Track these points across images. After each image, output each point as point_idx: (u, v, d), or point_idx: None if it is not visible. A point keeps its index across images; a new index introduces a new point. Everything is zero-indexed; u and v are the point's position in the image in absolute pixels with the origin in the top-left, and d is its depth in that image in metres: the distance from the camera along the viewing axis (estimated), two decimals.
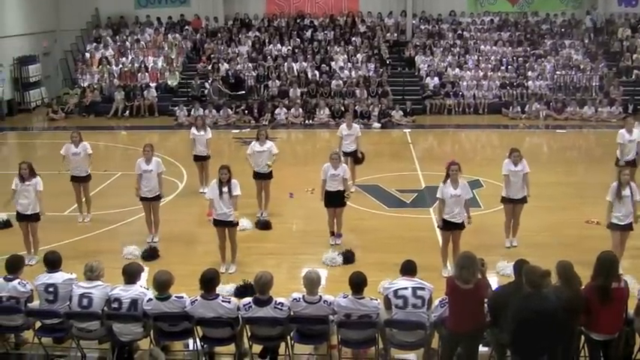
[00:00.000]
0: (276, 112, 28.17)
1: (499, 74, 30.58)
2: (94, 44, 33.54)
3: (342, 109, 27.46)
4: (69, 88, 32.28)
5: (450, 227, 12.08)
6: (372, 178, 18.28)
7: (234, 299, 8.97)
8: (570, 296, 7.83)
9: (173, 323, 8.90)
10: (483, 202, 15.87)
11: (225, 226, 12.37)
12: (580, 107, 28.19)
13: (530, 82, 30.00)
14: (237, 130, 26.46)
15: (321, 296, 8.70)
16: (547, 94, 29.40)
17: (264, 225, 14.88)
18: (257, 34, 33.92)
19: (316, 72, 30.92)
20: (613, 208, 11.85)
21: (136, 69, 31.63)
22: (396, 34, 34.02)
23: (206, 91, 30.04)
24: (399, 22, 34.56)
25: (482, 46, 32.46)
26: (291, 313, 8.68)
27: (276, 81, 30.37)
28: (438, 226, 12.58)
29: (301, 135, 27.09)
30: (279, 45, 32.88)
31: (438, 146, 25.00)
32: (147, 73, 31.46)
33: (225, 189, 12.08)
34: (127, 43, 33.64)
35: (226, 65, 31.25)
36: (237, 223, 12.61)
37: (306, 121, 27.96)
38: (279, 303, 8.61)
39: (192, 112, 27.58)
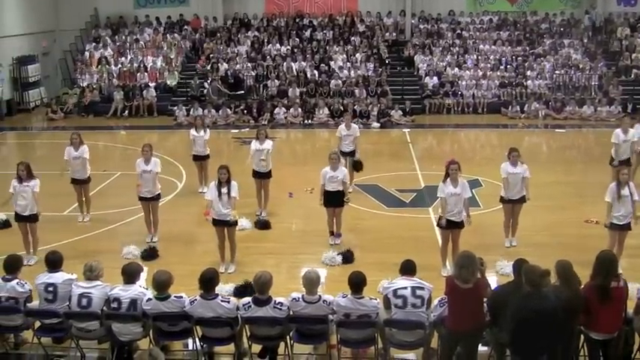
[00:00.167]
0: (275, 111, 28.17)
1: (498, 74, 30.59)
2: (93, 44, 33.52)
3: (342, 108, 27.47)
4: (68, 88, 32.23)
5: (450, 226, 12.08)
6: (371, 177, 18.27)
7: (233, 299, 8.98)
8: (569, 296, 7.83)
9: (172, 323, 8.90)
10: (482, 202, 15.88)
11: (224, 225, 12.37)
12: (579, 107, 28.20)
13: (529, 82, 30.01)
14: (237, 130, 26.45)
15: (320, 296, 8.70)
16: (546, 94, 29.40)
17: (263, 225, 14.88)
18: (256, 33, 33.91)
19: (315, 72, 30.92)
20: (612, 208, 11.86)
21: (135, 69, 31.62)
22: (395, 34, 34.02)
23: (205, 91, 30.04)
24: (398, 21, 34.54)
25: (481, 46, 32.46)
26: (291, 313, 8.68)
27: (276, 81, 30.36)
28: (438, 225, 12.58)
29: (300, 135, 27.09)
30: (278, 45, 32.88)
31: (438, 146, 25.00)
32: (146, 73, 31.45)
33: (224, 190, 12.08)
34: (127, 43, 33.62)
35: (225, 65, 31.25)
36: (235, 223, 12.61)
37: (306, 121, 27.97)
38: (279, 303, 8.61)
39: (191, 112, 27.58)
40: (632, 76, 30.35)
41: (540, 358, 7.69)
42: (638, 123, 17.18)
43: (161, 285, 8.73)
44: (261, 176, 15.50)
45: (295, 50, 32.44)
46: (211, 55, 32.25)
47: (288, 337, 8.86)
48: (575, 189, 17.47)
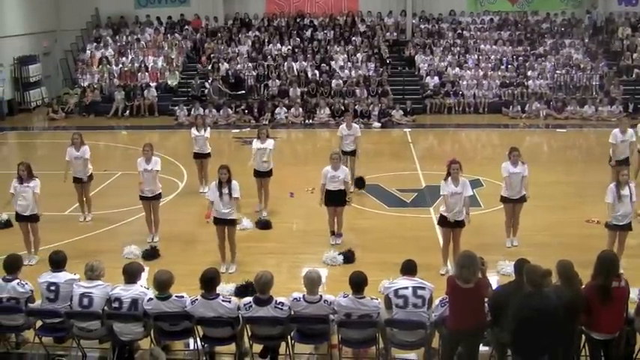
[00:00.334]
0: (276, 111, 28.17)
1: (499, 73, 30.57)
2: (94, 44, 33.54)
3: (342, 108, 27.44)
4: (69, 88, 32.27)
5: (451, 225, 12.10)
6: (372, 177, 18.25)
7: (234, 299, 8.98)
8: (571, 296, 7.82)
9: (173, 323, 8.90)
10: (483, 202, 15.86)
11: (224, 224, 12.38)
12: (580, 106, 28.16)
13: (530, 82, 29.98)
14: (238, 130, 26.44)
15: (321, 296, 8.71)
16: (547, 94, 29.37)
17: (264, 224, 14.88)
18: (257, 33, 33.91)
19: (316, 71, 30.90)
20: (611, 208, 11.85)
21: (136, 69, 31.63)
22: (395, 34, 34.01)
23: (206, 91, 30.05)
24: (398, 21, 34.54)
25: (482, 46, 32.45)
26: (292, 313, 8.68)
27: (276, 80, 30.36)
28: (439, 223, 12.61)
29: (301, 134, 27.09)
30: (279, 44, 32.87)
31: (439, 146, 24.98)
32: (147, 73, 31.45)
33: (225, 190, 12.09)
34: (128, 42, 33.64)
35: (226, 65, 31.24)
36: (237, 222, 12.61)
37: (306, 121, 27.97)
38: (280, 302, 8.61)
39: (192, 112, 27.60)
40: (634, 75, 30.30)
41: (541, 359, 7.69)
42: None
43: (162, 285, 8.73)
44: (262, 175, 15.52)
45: (296, 50, 32.43)
46: (212, 55, 32.24)
47: (289, 336, 8.86)
48: (576, 189, 17.46)
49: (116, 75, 31.64)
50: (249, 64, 31.45)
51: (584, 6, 34.37)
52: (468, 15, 34.74)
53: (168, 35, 34.13)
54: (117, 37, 34.13)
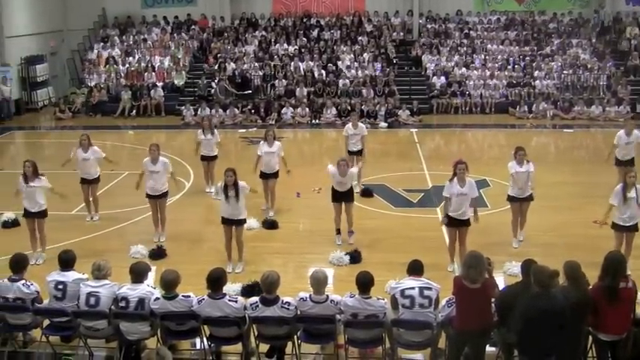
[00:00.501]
0: (282, 111, 28.17)
1: (506, 73, 30.53)
2: (101, 44, 33.61)
3: (349, 108, 27.43)
4: (76, 88, 32.31)
5: (456, 224, 12.12)
6: (378, 177, 18.27)
7: (241, 298, 9.00)
8: (578, 296, 7.80)
9: (180, 322, 8.91)
10: (490, 202, 15.85)
11: (232, 224, 12.40)
12: (587, 106, 28.09)
13: (537, 82, 29.91)
14: (244, 130, 26.46)
15: (327, 296, 8.71)
16: (554, 94, 29.30)
17: (270, 224, 14.89)
18: (263, 33, 33.94)
19: (323, 71, 30.90)
20: (618, 210, 11.83)
21: (143, 68, 31.69)
22: (402, 34, 33.98)
23: (213, 91, 30.08)
24: (405, 21, 34.51)
25: (489, 46, 32.40)
26: (298, 313, 8.69)
27: (283, 80, 30.38)
28: (442, 223, 12.62)
29: (308, 134, 27.09)
30: (285, 44, 32.89)
31: (445, 146, 24.94)
32: (154, 73, 31.50)
33: (231, 193, 12.11)
34: (134, 42, 33.70)
35: (233, 65, 31.27)
36: (244, 221, 12.66)
37: (313, 121, 27.98)
38: (286, 302, 8.62)
39: (198, 112, 27.66)
40: None
41: (548, 359, 7.68)
42: None
43: (169, 284, 8.74)
44: (268, 177, 15.54)
45: (303, 50, 32.44)
46: (219, 55, 32.27)
47: (295, 336, 8.86)
48: (583, 189, 17.41)
49: (123, 75, 31.69)
50: (256, 64, 31.46)
51: (591, 6, 34.27)
52: (475, 15, 34.70)
53: (175, 35, 34.20)
54: (124, 37, 34.19)
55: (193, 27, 34.73)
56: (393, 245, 13.52)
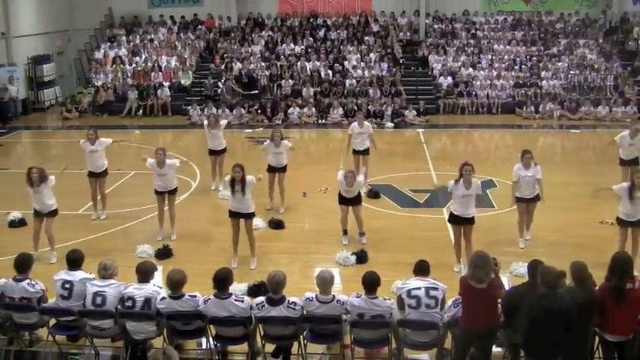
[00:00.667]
0: (289, 111, 28.17)
1: (513, 74, 30.47)
2: (108, 44, 33.66)
3: (356, 108, 27.39)
4: (83, 88, 32.36)
5: (460, 222, 12.13)
6: (385, 177, 18.26)
7: (247, 298, 9.00)
8: (584, 297, 7.79)
9: (186, 322, 8.92)
10: (497, 202, 15.85)
11: (240, 217, 12.44)
12: (594, 107, 28.01)
13: (544, 82, 29.85)
14: (251, 130, 26.46)
15: (334, 296, 8.70)
16: (561, 94, 29.24)
17: (277, 224, 14.90)
18: (270, 33, 33.94)
19: (329, 71, 30.89)
20: (623, 206, 11.83)
21: (150, 68, 31.72)
22: (409, 34, 33.96)
23: (219, 91, 30.08)
24: (412, 21, 34.48)
25: (495, 46, 32.34)
26: (304, 313, 8.69)
27: (289, 80, 30.39)
28: (448, 221, 12.66)
29: (314, 134, 27.08)
30: (292, 44, 32.90)
31: (452, 146, 24.89)
32: (160, 73, 31.56)
33: (237, 188, 12.14)
34: (141, 42, 33.75)
35: (239, 64, 31.28)
36: (253, 215, 12.69)
37: (320, 121, 27.97)
38: (292, 302, 8.62)
39: (205, 112, 27.64)
40: None
41: None
42: None
43: (175, 284, 8.75)
44: (277, 170, 15.63)
45: (309, 50, 32.44)
46: (225, 55, 32.30)
47: (301, 336, 8.85)
48: (590, 190, 17.24)
49: (129, 74, 31.73)
50: (262, 64, 31.47)
51: (598, 6, 34.20)
52: (482, 15, 34.64)
53: (182, 35, 34.24)
54: (130, 37, 34.24)
55: (200, 27, 34.77)
56: (400, 245, 13.51)
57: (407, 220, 15.42)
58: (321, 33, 33.84)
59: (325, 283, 8.67)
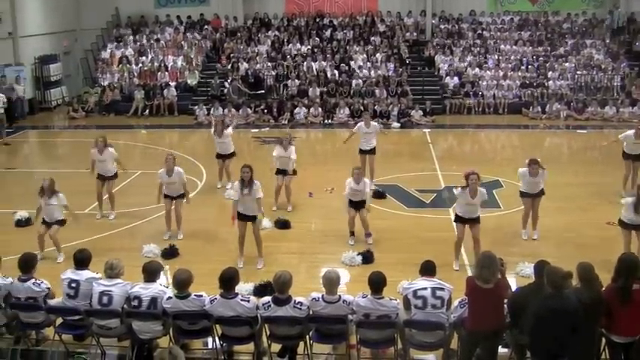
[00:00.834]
0: (295, 111, 28.18)
1: (519, 74, 30.41)
2: (115, 43, 33.74)
3: (362, 108, 27.37)
4: (89, 87, 32.47)
5: (466, 221, 12.21)
6: (391, 177, 18.25)
7: (253, 298, 8.99)
8: (591, 297, 7.77)
9: (192, 322, 8.92)
10: (503, 203, 15.81)
11: (247, 220, 12.45)
12: (601, 107, 27.93)
13: (550, 82, 29.79)
14: (257, 130, 26.46)
15: (340, 296, 8.70)
16: (568, 94, 29.17)
17: (283, 224, 14.90)
18: (276, 33, 33.95)
19: (335, 71, 30.88)
20: (626, 210, 11.89)
21: (156, 68, 31.76)
22: (415, 34, 33.92)
23: (225, 91, 30.11)
24: (418, 21, 34.44)
25: (502, 46, 32.27)
26: (310, 313, 8.69)
27: (296, 80, 30.40)
28: (454, 220, 12.69)
29: (320, 134, 27.07)
30: (298, 44, 32.91)
31: (458, 146, 24.86)
32: (167, 72, 31.60)
33: (246, 190, 12.16)
34: (148, 42, 33.79)
35: (246, 64, 31.31)
36: (258, 223, 12.67)
37: (326, 121, 27.96)
38: (299, 302, 8.62)
39: (211, 111, 27.69)
40: None
41: None
42: None
43: (181, 283, 8.75)
44: (284, 172, 15.74)
45: (315, 50, 32.44)
46: (232, 55, 32.33)
47: (307, 336, 8.86)
48: (596, 190, 17.32)
49: (136, 74, 31.79)
50: (269, 64, 31.50)
51: (605, 6, 34.09)
52: (488, 15, 34.57)
53: (188, 35, 34.28)
54: (137, 37, 34.32)
55: (206, 27, 34.81)
56: (406, 245, 13.50)
57: (413, 221, 15.41)
58: (328, 33, 33.83)
59: (331, 283, 8.66)
